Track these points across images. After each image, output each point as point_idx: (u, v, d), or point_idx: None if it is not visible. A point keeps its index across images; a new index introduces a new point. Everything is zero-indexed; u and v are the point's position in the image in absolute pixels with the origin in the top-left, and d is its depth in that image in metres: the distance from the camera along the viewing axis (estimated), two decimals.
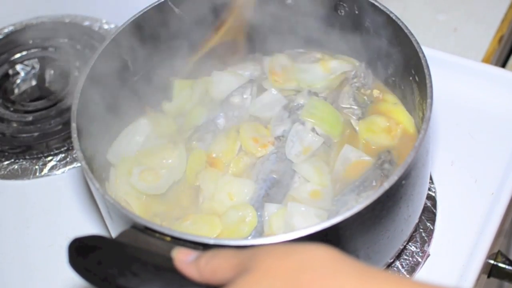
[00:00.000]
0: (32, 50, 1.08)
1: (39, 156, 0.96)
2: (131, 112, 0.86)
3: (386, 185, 0.63)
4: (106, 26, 1.12)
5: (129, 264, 0.56)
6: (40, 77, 1.05)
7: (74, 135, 0.72)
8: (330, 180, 0.78)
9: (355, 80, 0.86)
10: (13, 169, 0.95)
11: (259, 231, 0.74)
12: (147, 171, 0.79)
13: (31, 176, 0.94)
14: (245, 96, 0.85)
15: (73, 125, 0.72)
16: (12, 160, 0.96)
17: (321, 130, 0.82)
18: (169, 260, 0.56)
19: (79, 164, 0.93)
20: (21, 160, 0.96)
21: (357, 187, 0.76)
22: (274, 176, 0.78)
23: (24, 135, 0.97)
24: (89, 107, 0.77)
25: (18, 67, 1.07)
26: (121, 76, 0.82)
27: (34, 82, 1.06)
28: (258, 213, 0.75)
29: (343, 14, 0.84)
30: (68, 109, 0.75)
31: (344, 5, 0.84)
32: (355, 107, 0.84)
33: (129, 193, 0.79)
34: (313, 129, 0.81)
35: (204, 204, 0.78)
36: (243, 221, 0.74)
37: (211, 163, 0.80)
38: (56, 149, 0.96)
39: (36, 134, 0.97)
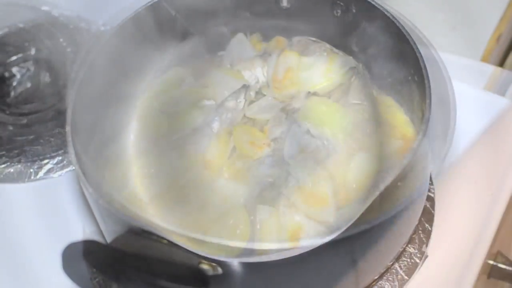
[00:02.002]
0: (28, 52, 1.08)
1: (34, 159, 0.95)
2: (129, 113, 0.85)
3: (382, 188, 0.63)
4: (102, 28, 1.11)
5: (124, 270, 0.56)
6: (36, 79, 1.04)
7: (69, 138, 0.71)
8: (331, 186, 0.76)
9: (354, 78, 0.85)
10: (8, 172, 0.94)
11: (251, 236, 0.73)
12: (141, 175, 0.79)
13: (27, 180, 0.93)
14: (239, 100, 0.85)
15: (68, 128, 0.72)
16: (8, 163, 0.95)
17: (317, 131, 0.81)
18: (165, 264, 0.56)
19: None
20: (16, 163, 0.95)
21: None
22: (270, 179, 0.78)
23: (20, 138, 0.97)
24: (85, 109, 0.76)
25: (14, 69, 1.07)
26: (117, 77, 0.82)
27: (29, 84, 1.05)
28: (251, 217, 0.74)
29: (339, 14, 0.84)
30: (64, 111, 0.74)
31: (341, 4, 0.83)
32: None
33: (123, 197, 0.78)
34: (307, 131, 0.81)
35: (198, 209, 0.77)
36: (234, 234, 0.73)
37: (205, 167, 0.80)
38: (52, 152, 0.95)
39: (31, 137, 0.97)
